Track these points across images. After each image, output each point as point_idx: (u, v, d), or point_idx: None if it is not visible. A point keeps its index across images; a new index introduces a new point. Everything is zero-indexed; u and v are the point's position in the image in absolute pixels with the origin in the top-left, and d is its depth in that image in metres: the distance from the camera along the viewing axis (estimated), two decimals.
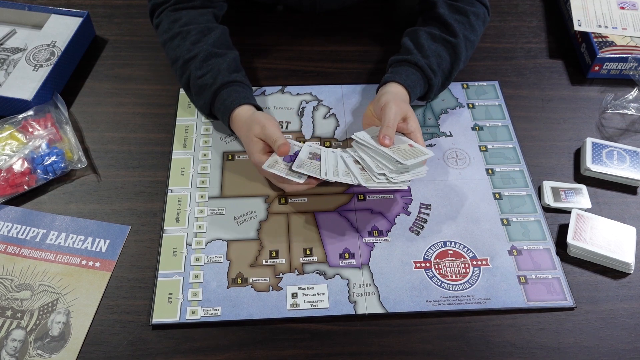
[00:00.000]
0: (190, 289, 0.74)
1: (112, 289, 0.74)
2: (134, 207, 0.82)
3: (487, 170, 0.87)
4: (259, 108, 0.85)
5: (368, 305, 0.73)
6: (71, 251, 0.77)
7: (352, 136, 0.81)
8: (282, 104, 0.95)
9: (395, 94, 0.84)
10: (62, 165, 0.84)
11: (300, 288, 0.74)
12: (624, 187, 0.86)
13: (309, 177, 0.76)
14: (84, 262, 0.76)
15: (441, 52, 0.88)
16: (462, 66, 0.92)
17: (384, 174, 0.76)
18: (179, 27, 0.88)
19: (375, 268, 0.76)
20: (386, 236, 0.79)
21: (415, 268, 0.76)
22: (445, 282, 0.75)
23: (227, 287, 0.74)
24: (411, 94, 0.86)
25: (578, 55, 1.04)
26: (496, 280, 0.76)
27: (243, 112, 0.82)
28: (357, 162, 0.79)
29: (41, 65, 0.93)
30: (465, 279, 0.76)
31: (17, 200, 0.82)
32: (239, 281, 0.75)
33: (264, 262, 0.77)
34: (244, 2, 1.09)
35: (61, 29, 0.99)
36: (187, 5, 0.91)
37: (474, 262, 0.77)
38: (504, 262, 0.77)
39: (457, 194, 0.84)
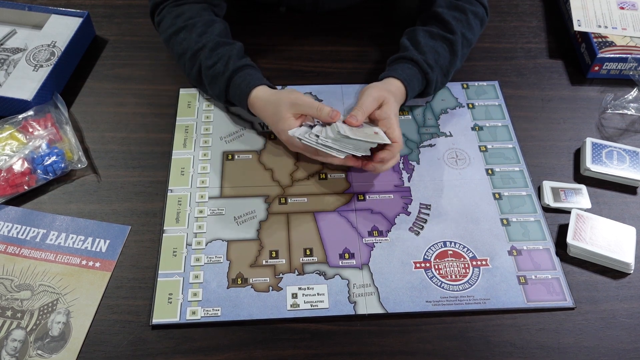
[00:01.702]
0: (190, 289, 0.74)
1: (112, 289, 0.74)
2: (134, 207, 0.82)
3: (487, 170, 0.87)
4: (272, 87, 0.86)
5: (368, 306, 0.73)
6: (71, 251, 0.77)
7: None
8: None
9: (383, 85, 0.84)
10: (62, 165, 0.84)
11: (300, 288, 0.74)
12: (624, 187, 0.86)
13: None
14: (84, 262, 0.76)
15: (438, 49, 0.89)
16: (459, 64, 0.92)
17: (317, 136, 0.78)
18: (183, 22, 0.89)
19: (375, 268, 0.76)
20: (386, 236, 0.79)
21: (415, 268, 0.76)
22: (445, 283, 0.75)
23: (227, 288, 0.74)
24: (408, 87, 0.86)
25: (578, 55, 1.04)
26: (496, 281, 0.76)
27: (261, 93, 0.83)
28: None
29: (41, 66, 0.93)
30: (465, 279, 0.76)
31: (17, 200, 0.82)
32: (239, 281, 0.75)
33: (264, 262, 0.77)
34: (246, 1, 1.09)
35: (61, 29, 0.99)
36: (187, 0, 0.91)
37: (474, 263, 0.77)
38: (503, 262, 0.77)
39: (457, 194, 0.84)
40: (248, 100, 0.84)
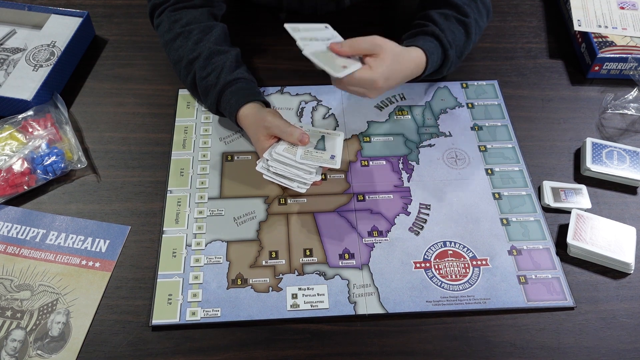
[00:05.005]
0: (190, 290, 0.74)
1: (112, 289, 0.74)
2: (134, 207, 0.82)
3: (486, 170, 0.87)
4: (264, 101, 0.85)
5: (368, 306, 0.73)
6: (71, 251, 0.77)
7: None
8: (281, 104, 0.95)
9: (399, 46, 0.80)
10: (62, 165, 0.84)
11: (300, 289, 0.74)
12: (624, 187, 0.86)
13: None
14: (83, 262, 0.76)
15: (454, 29, 0.88)
16: (470, 49, 0.92)
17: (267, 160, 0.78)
18: (180, 28, 0.88)
19: (375, 268, 0.76)
20: (386, 236, 0.79)
21: (415, 268, 0.76)
22: (445, 282, 0.75)
23: (227, 288, 0.74)
24: (429, 59, 0.84)
25: (578, 55, 1.04)
26: (496, 280, 0.76)
27: (248, 111, 0.83)
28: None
29: (41, 65, 0.93)
30: (465, 279, 0.76)
31: (17, 200, 0.82)
32: (239, 282, 0.75)
33: (263, 263, 0.77)
34: (246, 3, 1.09)
35: (61, 29, 0.99)
36: (186, 4, 0.91)
37: (474, 262, 0.77)
38: (503, 262, 0.77)
39: (457, 194, 0.84)
40: (236, 118, 0.84)
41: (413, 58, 0.82)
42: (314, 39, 0.76)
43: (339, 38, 0.78)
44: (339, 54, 0.75)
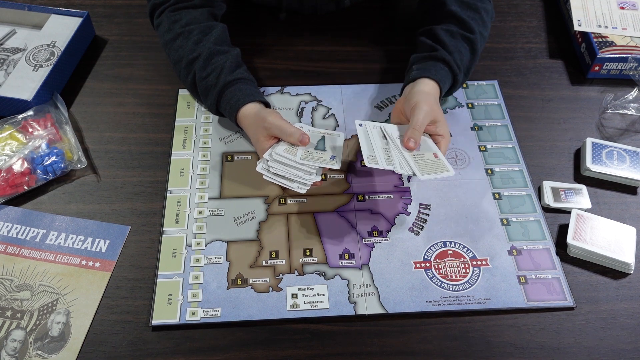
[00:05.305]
0: (190, 290, 0.74)
1: (112, 289, 0.74)
2: (134, 207, 0.82)
3: (486, 170, 0.87)
4: (264, 101, 0.85)
5: (368, 306, 0.73)
6: (71, 251, 0.77)
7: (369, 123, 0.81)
8: (281, 104, 0.95)
9: (427, 94, 0.82)
10: (62, 165, 0.84)
11: (300, 289, 0.74)
12: (624, 187, 0.86)
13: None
14: (83, 263, 0.76)
15: (461, 48, 0.88)
16: (475, 64, 0.92)
17: (267, 160, 0.78)
18: (180, 28, 0.88)
19: (375, 268, 0.76)
20: (386, 236, 0.79)
21: (415, 268, 0.76)
22: (445, 283, 0.75)
23: (227, 288, 0.74)
24: (442, 88, 0.85)
25: (578, 55, 1.04)
26: (496, 280, 0.76)
27: (248, 111, 0.83)
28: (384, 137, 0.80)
29: (41, 66, 0.93)
30: (465, 279, 0.76)
31: (17, 200, 0.82)
32: (239, 282, 0.75)
33: (263, 263, 0.77)
34: (246, 3, 1.09)
35: (61, 29, 0.99)
36: (186, 4, 0.90)
37: (474, 262, 0.77)
38: (503, 262, 0.77)
39: (457, 194, 0.84)
40: (236, 118, 0.84)
41: (434, 89, 0.85)
42: (385, 151, 0.78)
43: (373, 131, 0.81)
44: (414, 149, 0.78)
